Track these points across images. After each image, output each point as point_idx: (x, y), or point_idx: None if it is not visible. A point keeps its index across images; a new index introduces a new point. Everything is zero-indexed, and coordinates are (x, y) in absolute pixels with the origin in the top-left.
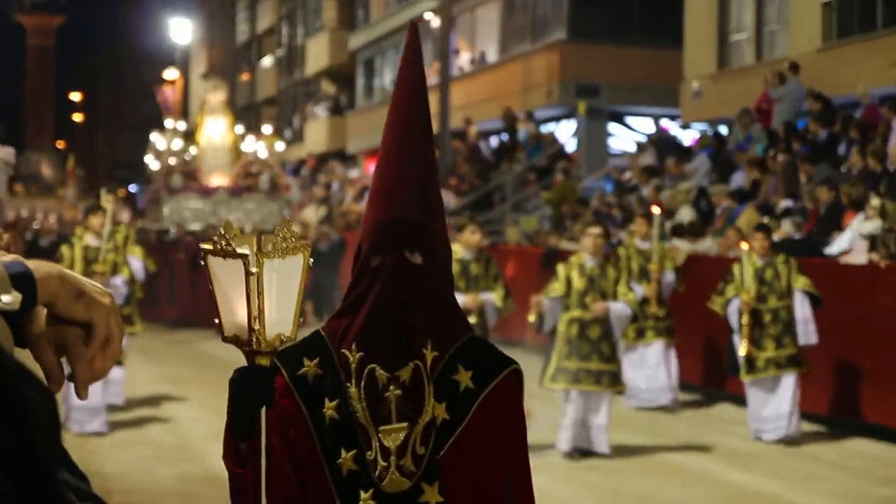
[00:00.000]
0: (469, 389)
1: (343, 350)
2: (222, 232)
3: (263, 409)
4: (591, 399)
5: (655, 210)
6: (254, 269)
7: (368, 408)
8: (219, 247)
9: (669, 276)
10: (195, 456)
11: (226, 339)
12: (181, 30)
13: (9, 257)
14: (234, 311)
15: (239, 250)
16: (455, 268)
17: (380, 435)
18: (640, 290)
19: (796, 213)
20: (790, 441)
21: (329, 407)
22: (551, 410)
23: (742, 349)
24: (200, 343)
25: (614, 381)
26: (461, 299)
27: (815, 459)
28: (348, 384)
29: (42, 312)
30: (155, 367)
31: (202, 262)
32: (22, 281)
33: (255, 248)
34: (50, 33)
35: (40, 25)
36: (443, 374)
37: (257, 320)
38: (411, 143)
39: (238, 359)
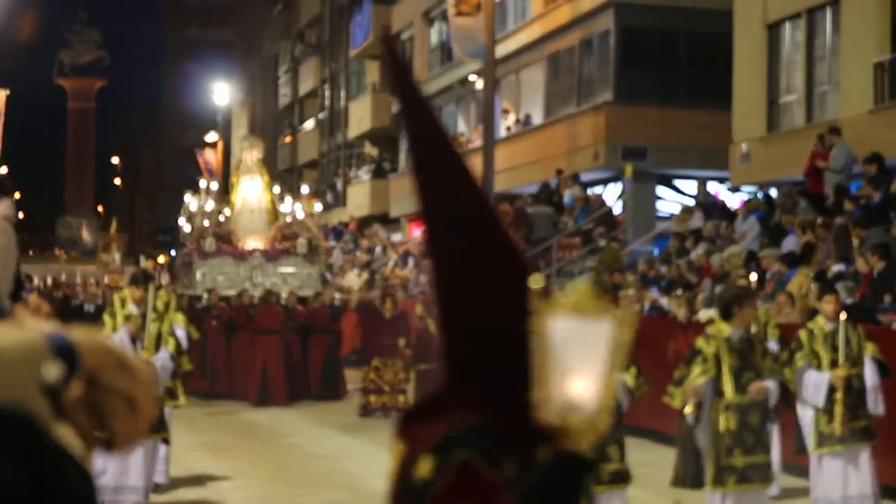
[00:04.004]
0: None
1: None
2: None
3: None
4: (755, 499)
5: (753, 276)
6: (541, 326)
7: None
8: None
9: (772, 346)
10: None
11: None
12: (222, 93)
13: (51, 326)
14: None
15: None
16: None
17: None
18: None
19: (849, 278)
20: None
21: None
22: None
23: (837, 427)
24: (240, 412)
25: (772, 473)
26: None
27: None
28: None
29: (79, 378)
30: (194, 435)
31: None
32: (65, 353)
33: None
34: (90, 96)
35: (81, 88)
36: None
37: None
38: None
39: (277, 426)
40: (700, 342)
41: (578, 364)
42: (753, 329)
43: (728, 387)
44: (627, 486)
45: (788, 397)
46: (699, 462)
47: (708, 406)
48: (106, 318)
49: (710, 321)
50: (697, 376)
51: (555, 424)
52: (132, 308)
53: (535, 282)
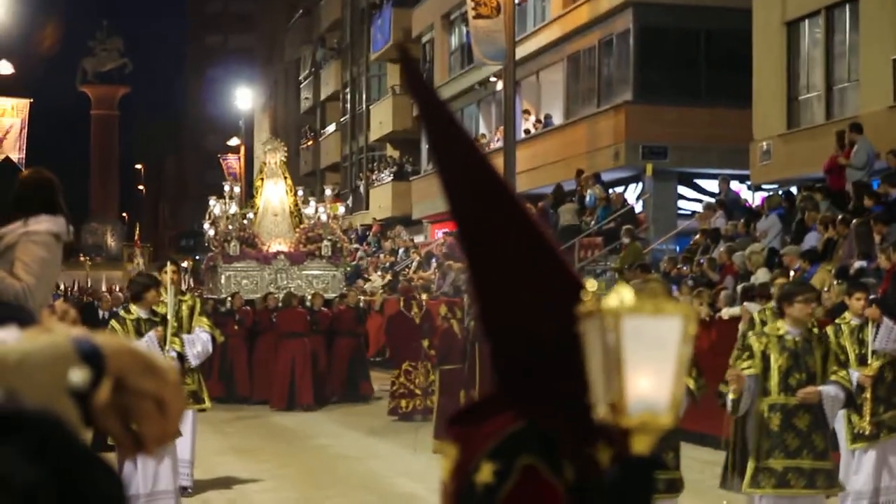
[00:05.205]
0: None
1: None
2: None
3: None
4: None
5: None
6: (609, 326)
7: None
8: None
9: None
10: None
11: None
12: (245, 99)
13: (77, 331)
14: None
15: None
16: None
17: None
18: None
19: (870, 274)
20: None
21: None
22: None
23: (866, 425)
24: (266, 415)
25: (830, 482)
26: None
27: None
28: None
29: (106, 382)
30: (222, 439)
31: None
32: (92, 358)
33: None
34: (114, 104)
35: (104, 96)
36: None
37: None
38: None
39: (304, 428)
40: (752, 338)
41: (648, 362)
42: None
43: (774, 386)
44: (679, 495)
45: (853, 401)
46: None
47: (754, 403)
48: (114, 323)
49: (734, 318)
50: (746, 370)
51: (619, 424)
52: (141, 313)
53: (591, 285)
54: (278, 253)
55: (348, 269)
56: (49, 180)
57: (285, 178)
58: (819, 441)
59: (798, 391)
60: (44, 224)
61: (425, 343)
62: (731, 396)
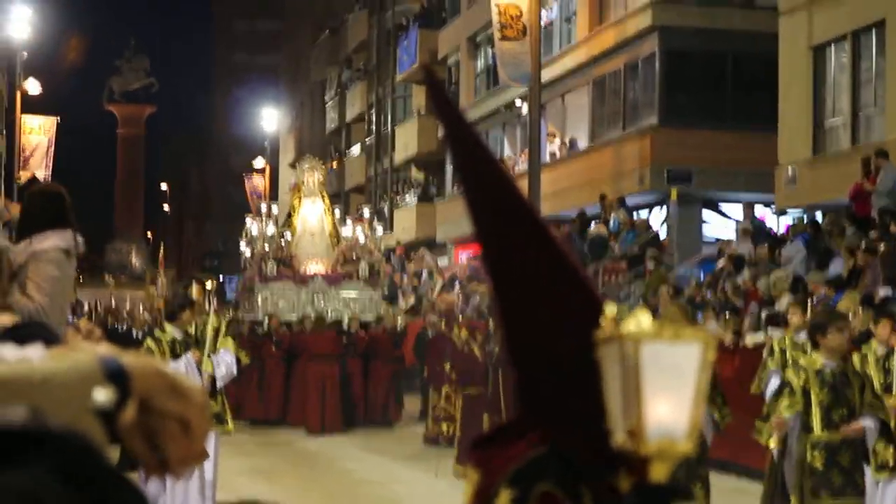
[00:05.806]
0: None
1: None
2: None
3: None
4: None
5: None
6: (628, 352)
7: None
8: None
9: None
10: None
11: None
12: (270, 119)
13: (104, 350)
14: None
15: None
16: None
17: None
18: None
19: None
20: None
21: None
22: None
23: (889, 456)
24: (294, 439)
25: None
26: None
27: None
28: None
29: (132, 402)
30: (243, 460)
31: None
32: (117, 377)
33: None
34: (140, 123)
35: (131, 115)
36: None
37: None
38: None
39: (328, 451)
40: (789, 373)
41: (667, 388)
42: None
43: (817, 423)
44: None
45: (890, 434)
46: (787, 499)
47: (795, 441)
48: (149, 342)
49: (758, 345)
50: (784, 410)
51: (637, 450)
52: (175, 333)
53: (610, 310)
54: (315, 274)
55: (385, 290)
56: (54, 194)
57: (323, 197)
58: (860, 478)
59: (842, 427)
60: (50, 241)
61: (447, 366)
62: (772, 446)
